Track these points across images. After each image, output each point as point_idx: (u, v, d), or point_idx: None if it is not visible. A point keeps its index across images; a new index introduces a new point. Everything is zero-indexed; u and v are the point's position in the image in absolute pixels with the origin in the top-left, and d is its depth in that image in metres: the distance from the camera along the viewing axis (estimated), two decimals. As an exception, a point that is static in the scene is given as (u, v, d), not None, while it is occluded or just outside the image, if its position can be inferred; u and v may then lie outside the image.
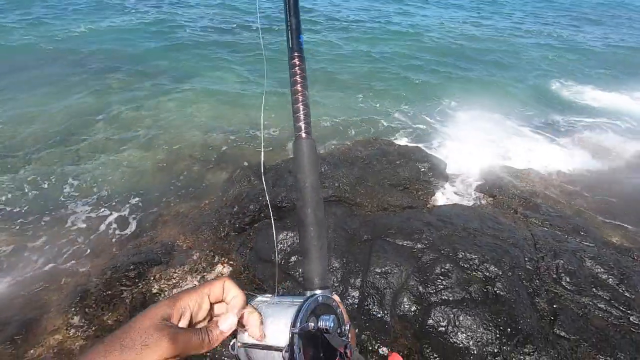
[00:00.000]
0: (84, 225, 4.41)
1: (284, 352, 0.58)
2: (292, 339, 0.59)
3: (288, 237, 3.32)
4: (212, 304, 0.63)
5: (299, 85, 0.82)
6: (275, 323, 0.62)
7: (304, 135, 0.81)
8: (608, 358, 2.52)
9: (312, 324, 0.61)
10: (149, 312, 0.54)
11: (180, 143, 6.45)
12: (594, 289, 2.99)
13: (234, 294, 0.62)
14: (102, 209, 4.73)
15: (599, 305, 2.88)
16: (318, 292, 0.73)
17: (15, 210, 4.65)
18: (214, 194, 4.85)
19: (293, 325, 0.60)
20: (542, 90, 10.01)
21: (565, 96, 9.78)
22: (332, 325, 0.61)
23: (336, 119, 7.58)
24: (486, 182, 5.20)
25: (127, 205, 4.80)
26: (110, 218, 4.56)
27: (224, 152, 6.13)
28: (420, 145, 5.95)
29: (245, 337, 0.63)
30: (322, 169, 4.18)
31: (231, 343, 0.65)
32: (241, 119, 7.37)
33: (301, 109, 0.81)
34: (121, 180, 5.41)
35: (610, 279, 3.05)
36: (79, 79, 8.46)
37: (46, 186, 5.18)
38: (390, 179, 4.36)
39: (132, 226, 4.42)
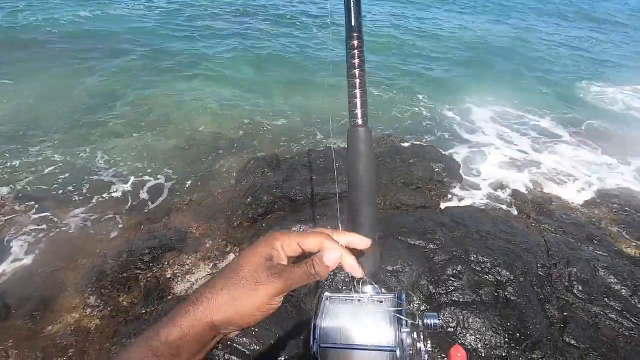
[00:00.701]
0: (98, 209, 4.51)
1: (398, 351, 0.57)
2: (399, 337, 0.58)
3: (301, 230, 3.35)
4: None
5: (357, 69, 0.76)
6: (375, 322, 0.60)
7: (360, 122, 0.76)
8: (617, 369, 2.52)
9: (420, 321, 0.61)
10: (251, 253, 0.58)
11: (193, 129, 6.51)
12: (606, 299, 2.97)
13: (329, 246, 0.62)
14: (116, 193, 4.81)
15: (610, 316, 2.87)
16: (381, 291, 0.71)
17: (28, 190, 4.77)
18: (227, 183, 4.91)
19: (400, 324, 0.59)
20: (566, 93, 9.80)
21: (591, 99, 9.57)
22: (437, 323, 0.62)
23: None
24: (501, 185, 5.16)
25: (141, 191, 4.88)
26: (125, 202, 4.64)
27: (238, 141, 6.17)
28: (435, 145, 5.91)
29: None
30: (337, 165, 4.19)
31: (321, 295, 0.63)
32: (256, 107, 7.40)
33: (358, 95, 0.75)
34: (135, 165, 5.49)
35: (624, 290, 3.03)
36: (94, 62, 8.53)
37: (59, 167, 5.29)
38: (403, 178, 4.35)
39: (146, 211, 4.50)
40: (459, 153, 6.05)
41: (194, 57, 9.32)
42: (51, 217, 4.21)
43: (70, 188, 4.88)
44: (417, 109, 8.01)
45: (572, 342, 2.66)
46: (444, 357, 2.53)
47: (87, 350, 2.83)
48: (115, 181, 5.05)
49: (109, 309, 3.08)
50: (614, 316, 2.86)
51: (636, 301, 2.96)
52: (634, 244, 4.25)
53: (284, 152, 5.55)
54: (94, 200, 4.62)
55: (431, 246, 3.15)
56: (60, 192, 4.77)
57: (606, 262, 3.32)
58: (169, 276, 3.40)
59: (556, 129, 7.69)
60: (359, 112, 0.76)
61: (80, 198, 4.71)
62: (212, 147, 5.94)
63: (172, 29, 10.84)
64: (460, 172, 5.09)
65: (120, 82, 7.91)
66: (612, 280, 3.10)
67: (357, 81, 0.76)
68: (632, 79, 10.77)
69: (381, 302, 0.65)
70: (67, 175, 5.15)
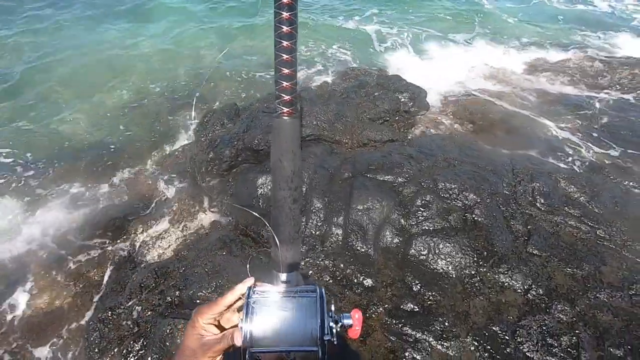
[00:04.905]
0: (47, 182, 4.20)
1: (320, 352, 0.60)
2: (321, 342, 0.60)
3: (267, 181, 3.24)
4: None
5: (284, 44, 0.63)
6: (290, 322, 0.62)
7: (286, 112, 0.67)
8: (575, 270, 2.71)
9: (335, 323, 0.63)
10: (189, 335, 0.72)
11: (141, 83, 5.99)
12: (566, 208, 3.11)
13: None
14: (66, 163, 4.47)
15: (570, 223, 3.02)
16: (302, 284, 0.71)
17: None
18: (185, 140, 4.64)
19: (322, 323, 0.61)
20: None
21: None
22: (351, 323, 0.63)
23: (312, 50, 7.10)
24: (466, 107, 5.11)
25: (93, 157, 4.55)
26: (77, 171, 4.34)
27: (193, 94, 5.74)
28: (399, 73, 5.68)
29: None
30: (298, 107, 3.97)
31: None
32: (209, 57, 6.82)
33: (285, 77, 0.65)
34: (83, 129, 5.07)
35: (582, 197, 3.17)
36: (15, 16, 7.46)
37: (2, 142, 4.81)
38: (369, 113, 4.20)
39: (103, 179, 4.24)
40: (423, 78, 5.86)
41: (140, 12, 8.29)
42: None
43: (18, 161, 4.49)
44: (376, 39, 7.60)
45: (535, 252, 2.82)
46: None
47: (65, 328, 2.79)
48: (64, 149, 4.67)
49: (80, 286, 3.00)
50: (573, 223, 3.02)
51: (593, 206, 3.12)
52: (595, 150, 4.41)
53: (242, 100, 5.22)
54: (45, 173, 4.29)
55: (400, 180, 3.14)
56: (5, 169, 4.40)
57: (567, 172, 3.44)
58: (138, 244, 3.30)
59: (523, 45, 7.54)
60: (285, 98, 0.67)
61: (29, 172, 4.36)
62: (164, 102, 5.53)
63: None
64: (427, 99, 4.97)
65: (51, 35, 7.01)
66: (572, 190, 3.23)
67: (285, 61, 0.64)
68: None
69: (304, 297, 0.65)
70: (9, 148, 4.71)
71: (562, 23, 8.98)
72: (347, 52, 7.02)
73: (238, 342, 0.63)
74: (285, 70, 0.64)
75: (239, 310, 0.73)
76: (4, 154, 4.60)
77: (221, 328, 0.72)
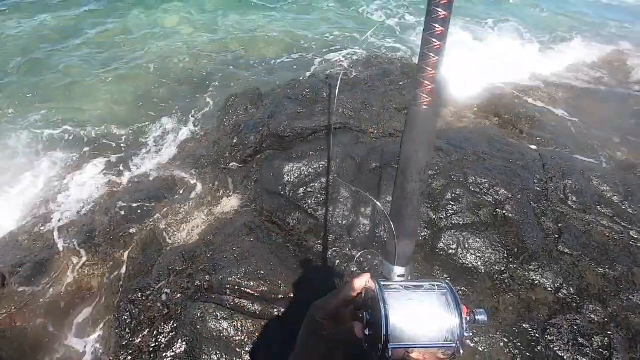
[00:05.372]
0: (71, 164, 4.23)
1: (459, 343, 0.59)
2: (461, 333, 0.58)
3: (294, 168, 3.21)
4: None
5: (437, 29, 0.61)
6: (426, 316, 0.60)
7: (426, 101, 0.64)
8: (607, 270, 2.67)
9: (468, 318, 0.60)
10: (305, 332, 0.72)
11: (163, 66, 5.95)
12: (598, 207, 3.05)
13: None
14: (89, 146, 4.49)
15: (602, 222, 2.96)
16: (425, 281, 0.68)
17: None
18: (209, 124, 4.61)
19: (461, 319, 0.59)
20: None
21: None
22: (485, 319, 0.60)
23: (330, 35, 6.97)
24: (491, 100, 5.00)
25: (116, 141, 4.56)
26: (101, 155, 4.36)
27: (213, 76, 5.69)
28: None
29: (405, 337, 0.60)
30: (324, 94, 3.91)
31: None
32: (235, 40, 6.73)
33: (431, 64, 0.62)
34: (104, 113, 5.07)
35: (615, 197, 3.10)
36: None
37: (17, 118, 4.84)
38: (395, 102, 4.13)
39: (126, 162, 4.25)
40: (448, 69, 5.73)
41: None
42: (21, 177, 3.95)
43: (40, 143, 4.53)
44: (398, 27, 7.43)
45: (566, 250, 2.77)
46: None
47: (95, 307, 2.83)
48: (85, 133, 4.69)
49: (108, 266, 3.03)
50: (605, 222, 2.96)
51: (626, 206, 3.05)
52: (623, 147, 4.31)
53: (264, 85, 5.15)
54: (66, 156, 4.31)
55: (429, 172, 3.09)
56: (29, 148, 4.43)
57: (600, 170, 3.35)
58: (163, 227, 3.31)
59: (546, 38, 7.32)
60: (427, 88, 0.63)
61: (53, 152, 4.39)
62: (185, 85, 5.49)
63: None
64: (450, 90, 4.86)
65: (76, 18, 6.96)
66: (605, 189, 3.15)
67: (432, 51, 0.62)
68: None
69: (433, 291, 0.63)
70: (33, 128, 4.74)
71: (594, 16, 8.69)
72: (370, 39, 6.88)
73: (360, 335, 0.61)
74: (433, 58, 0.61)
75: (353, 305, 0.71)
76: (34, 128, 4.64)
77: (336, 323, 0.70)
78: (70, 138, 4.61)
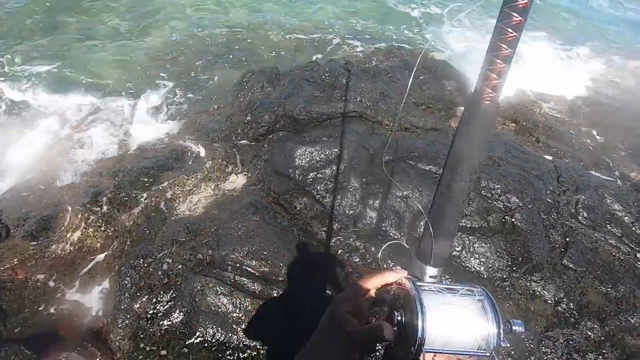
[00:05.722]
0: (83, 127, 4.20)
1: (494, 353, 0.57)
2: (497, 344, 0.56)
3: (306, 152, 3.17)
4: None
5: (514, 18, 0.56)
6: (462, 322, 0.58)
7: (489, 96, 0.60)
8: (609, 289, 2.65)
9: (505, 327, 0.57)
10: (327, 328, 0.67)
11: (187, 39, 5.84)
12: (608, 226, 3.01)
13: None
14: (102, 112, 4.45)
15: (610, 241, 2.93)
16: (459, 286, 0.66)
17: (13, 105, 4.39)
18: (223, 98, 4.55)
19: (498, 328, 0.57)
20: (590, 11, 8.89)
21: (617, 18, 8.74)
22: (522, 331, 0.58)
23: (355, 21, 6.81)
24: (510, 105, 4.90)
25: (128, 107, 4.52)
26: (112, 120, 4.32)
27: (234, 51, 5.59)
28: (445, 58, 5.43)
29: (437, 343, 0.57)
30: (343, 81, 3.83)
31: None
32: (256, 17, 6.59)
33: (502, 57, 0.58)
34: (118, 79, 5.01)
35: (627, 217, 3.06)
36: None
37: (30, 74, 4.80)
38: (414, 96, 4.05)
39: (137, 128, 4.22)
40: (470, 68, 5.61)
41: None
42: (36, 134, 3.93)
43: (52, 103, 4.49)
44: (422, 19, 7.23)
45: (571, 265, 2.75)
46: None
47: (96, 268, 2.85)
48: (99, 98, 4.65)
49: (111, 229, 3.04)
50: (613, 241, 2.93)
51: (637, 227, 3.01)
52: (637, 166, 4.23)
53: (283, 64, 5.06)
54: (77, 118, 4.28)
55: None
56: (41, 109, 4.40)
57: (613, 188, 3.30)
58: (169, 197, 3.30)
59: (573, 47, 7.12)
60: (492, 81, 0.59)
61: (64, 112, 4.36)
62: (203, 58, 5.40)
63: None
64: (471, 91, 4.75)
65: None
66: (617, 208, 3.11)
67: (505, 44, 0.57)
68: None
69: (469, 297, 0.60)
70: (44, 86, 4.70)
71: (625, 30, 8.44)
72: (394, 30, 6.72)
73: (390, 336, 0.59)
74: (505, 50, 0.57)
75: (374, 302, 0.69)
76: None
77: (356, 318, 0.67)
78: (83, 99, 4.57)
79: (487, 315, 0.57)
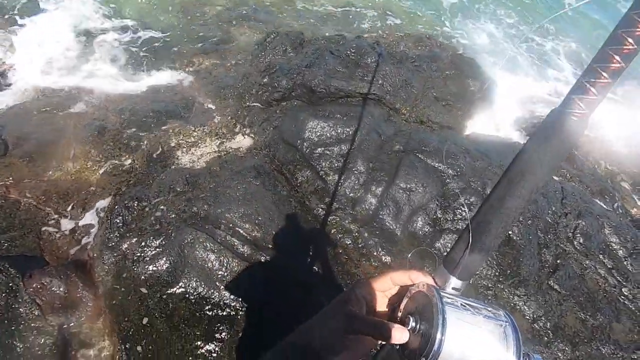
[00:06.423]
0: (101, 59, 4.09)
1: None
2: None
3: (318, 126, 3.11)
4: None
5: (635, 36, 0.47)
6: (480, 345, 0.53)
7: (579, 113, 0.52)
8: (588, 316, 2.68)
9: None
10: (333, 309, 0.62)
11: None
12: (601, 255, 3.01)
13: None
14: (119, 48, 4.32)
15: (599, 271, 2.94)
16: (497, 311, 0.61)
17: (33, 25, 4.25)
18: (242, 55, 4.41)
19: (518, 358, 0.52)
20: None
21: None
22: None
23: (391, 3, 6.54)
24: (530, 117, 4.80)
25: (146, 47, 4.39)
26: (127, 59, 4.20)
27: (261, 10, 5.38)
28: (476, 58, 5.26)
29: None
30: (368, 60, 3.70)
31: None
32: None
33: (610, 72, 0.49)
34: (138, 17, 4.83)
35: (621, 251, 3.06)
36: None
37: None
38: (436, 90, 3.94)
39: (152, 69, 4.11)
40: (499, 73, 5.45)
41: None
42: (48, 66, 3.83)
43: (71, 28, 4.35)
44: (460, 13, 6.96)
45: (556, 286, 2.77)
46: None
47: (88, 201, 2.83)
48: (118, 35, 4.50)
49: (110, 166, 3.01)
50: (602, 272, 2.94)
51: (628, 262, 3.02)
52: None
53: (310, 31, 4.89)
54: (93, 47, 4.16)
55: (450, 171, 3.00)
56: (65, 38, 4.26)
57: (615, 220, 3.28)
58: (173, 144, 3.25)
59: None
60: (590, 97, 0.50)
61: (80, 37, 4.23)
62: (230, 13, 5.19)
63: None
64: (494, 95, 4.65)
65: None
66: (613, 240, 3.10)
67: (627, 48, 0.47)
68: None
69: (492, 320, 0.56)
70: (69, 23, 4.54)
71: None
72: (432, 17, 6.48)
73: (401, 340, 0.55)
74: (616, 64, 0.49)
75: (392, 302, 0.65)
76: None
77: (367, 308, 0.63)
78: (105, 28, 4.43)
79: (507, 342, 0.53)
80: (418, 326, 0.56)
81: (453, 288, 0.60)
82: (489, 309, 0.56)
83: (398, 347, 0.58)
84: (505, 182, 0.58)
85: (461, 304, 0.55)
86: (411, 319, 0.57)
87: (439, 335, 0.51)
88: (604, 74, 0.49)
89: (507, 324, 0.54)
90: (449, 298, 0.56)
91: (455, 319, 0.52)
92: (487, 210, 0.59)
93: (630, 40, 0.47)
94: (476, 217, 0.61)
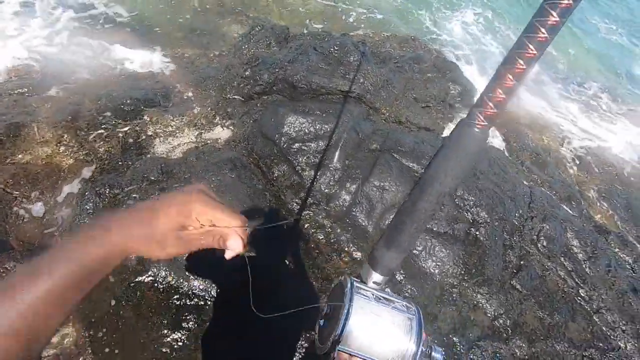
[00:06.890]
0: (81, 42, 3.99)
1: None
2: None
3: (297, 122, 3.13)
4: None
5: (529, 51, 0.51)
6: (384, 333, 0.58)
7: (481, 125, 0.56)
8: (546, 315, 2.81)
9: (424, 351, 0.59)
10: (165, 214, 0.59)
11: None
12: (562, 258, 3.15)
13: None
14: (103, 27, 4.23)
15: (559, 273, 3.08)
16: (408, 304, 0.67)
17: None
18: (225, 46, 4.38)
19: (417, 348, 0.58)
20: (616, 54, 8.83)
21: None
22: (440, 358, 0.59)
23: (384, 6, 6.58)
24: (507, 124, 4.94)
25: (130, 31, 4.30)
26: (109, 40, 4.11)
27: (246, 1, 5.33)
28: (459, 61, 5.38)
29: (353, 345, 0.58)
30: (351, 59, 3.74)
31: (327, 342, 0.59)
32: None
33: (505, 89, 0.54)
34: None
35: (580, 254, 3.21)
36: None
37: None
38: (417, 92, 4.02)
39: (132, 55, 4.04)
40: (479, 78, 5.59)
41: None
42: (23, 47, 3.71)
43: (55, 18, 4.22)
44: (455, 19, 7.07)
45: (518, 286, 2.89)
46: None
47: (59, 186, 2.79)
48: (101, 17, 4.39)
49: (83, 152, 2.96)
50: (562, 273, 3.08)
51: (587, 266, 3.17)
52: (604, 211, 4.41)
53: (296, 26, 4.89)
54: (75, 33, 4.05)
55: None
56: (41, 19, 4.13)
57: (577, 225, 3.44)
58: (150, 133, 3.22)
59: (594, 90, 7.14)
60: (489, 111, 0.55)
61: (58, 27, 4.11)
62: (212, 3, 5.13)
63: None
64: (474, 99, 4.75)
65: None
66: (575, 244, 3.25)
67: (512, 73, 0.52)
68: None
69: (400, 312, 0.61)
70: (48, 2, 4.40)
71: None
72: (421, 19, 6.55)
73: (235, 247, 0.57)
74: (510, 82, 0.53)
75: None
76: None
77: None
78: (88, 9, 4.31)
79: (411, 334, 0.58)
80: (331, 312, 0.60)
81: (374, 282, 0.65)
82: (403, 302, 0.61)
83: (316, 335, 0.63)
84: (419, 187, 0.63)
85: (375, 297, 0.60)
86: (327, 306, 0.61)
87: (342, 320, 0.55)
88: (499, 90, 0.54)
89: (414, 317, 0.59)
90: (364, 290, 0.60)
91: (360, 308, 0.57)
92: (403, 212, 0.64)
93: (520, 61, 0.51)
94: (394, 218, 0.66)
